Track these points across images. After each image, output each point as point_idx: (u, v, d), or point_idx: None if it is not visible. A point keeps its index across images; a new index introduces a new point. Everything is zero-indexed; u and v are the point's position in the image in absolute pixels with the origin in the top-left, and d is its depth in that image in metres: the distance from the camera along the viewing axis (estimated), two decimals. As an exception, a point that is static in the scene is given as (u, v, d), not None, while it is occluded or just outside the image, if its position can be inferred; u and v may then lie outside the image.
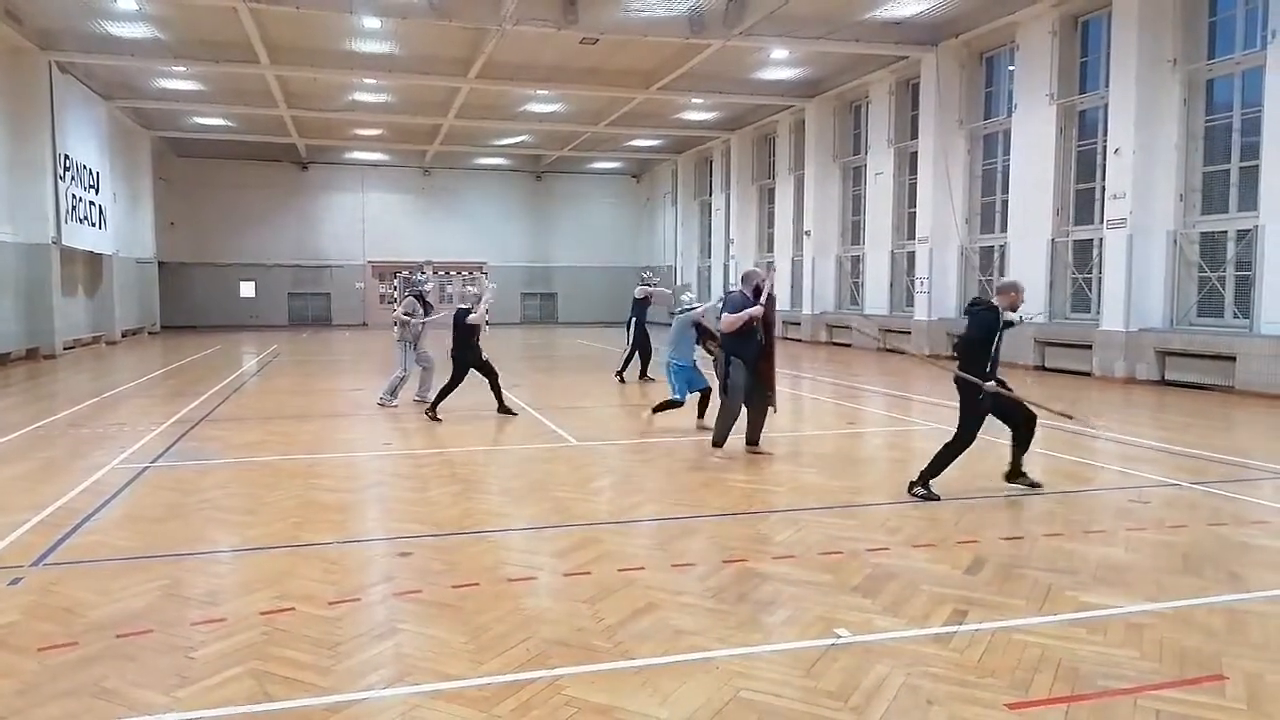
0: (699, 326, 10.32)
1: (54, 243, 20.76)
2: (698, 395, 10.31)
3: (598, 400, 13.42)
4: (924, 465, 7.04)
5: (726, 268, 32.40)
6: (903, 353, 7.07)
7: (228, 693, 3.63)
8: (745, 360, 8.50)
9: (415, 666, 3.87)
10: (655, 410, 10.28)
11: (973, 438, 6.98)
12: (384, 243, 38.39)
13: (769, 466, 8.34)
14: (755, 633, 4.26)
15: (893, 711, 3.46)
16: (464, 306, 11.21)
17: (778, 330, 9.01)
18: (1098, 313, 16.46)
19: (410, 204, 39.01)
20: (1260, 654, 4.00)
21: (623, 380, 15.11)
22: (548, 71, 23.19)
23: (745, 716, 3.43)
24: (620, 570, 5.17)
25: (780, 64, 23.06)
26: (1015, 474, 7.26)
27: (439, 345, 12.36)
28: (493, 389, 11.34)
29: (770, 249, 30.12)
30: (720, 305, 9.94)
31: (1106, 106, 16.19)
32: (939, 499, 6.90)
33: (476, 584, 4.95)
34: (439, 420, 10.91)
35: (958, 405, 7.06)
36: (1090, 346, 16.12)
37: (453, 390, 11.21)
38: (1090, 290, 17.21)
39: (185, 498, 7.06)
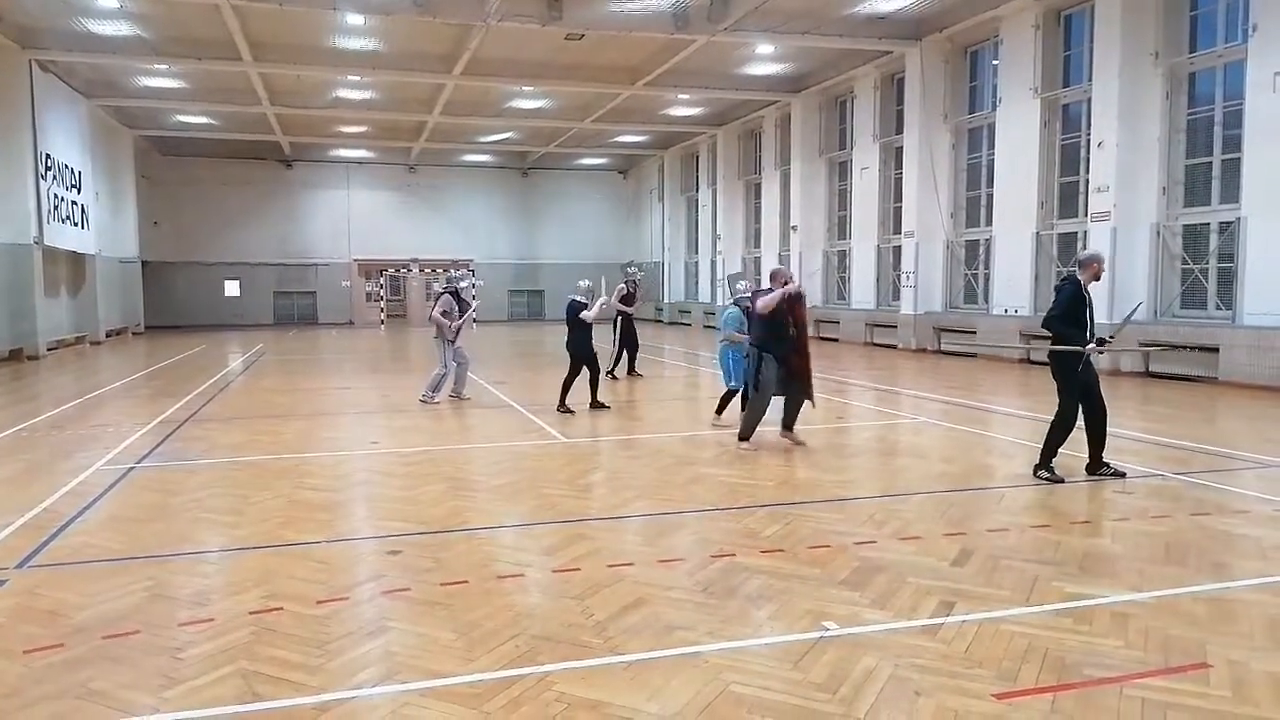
0: (749, 314, 10.34)
1: (36, 243, 20.57)
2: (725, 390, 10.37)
3: (586, 397, 13.41)
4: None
5: (714, 264, 32.43)
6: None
7: (216, 693, 3.61)
8: (776, 356, 8.65)
9: (405, 664, 3.87)
10: (719, 411, 10.32)
11: (1075, 413, 7.17)
12: (370, 241, 38.19)
13: (757, 461, 8.36)
14: (744, 627, 4.28)
15: (881, 703, 3.48)
16: (578, 300, 11.47)
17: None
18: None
19: (396, 201, 38.84)
20: (1244, 642, 4.04)
21: (614, 378, 15.10)
22: (533, 68, 23.12)
23: (734, 710, 3.44)
24: (609, 566, 5.17)
25: (765, 59, 23.07)
26: (1096, 465, 7.39)
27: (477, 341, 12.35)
28: (590, 382, 11.60)
29: (757, 244, 30.17)
30: (740, 309, 10.19)
31: (1090, 100, 16.29)
32: (1063, 480, 7.16)
33: (465, 581, 4.94)
34: (571, 411, 11.14)
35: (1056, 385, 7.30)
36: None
37: (574, 382, 11.45)
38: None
39: (171, 498, 7.03)
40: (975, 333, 18.90)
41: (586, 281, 12.09)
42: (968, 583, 4.85)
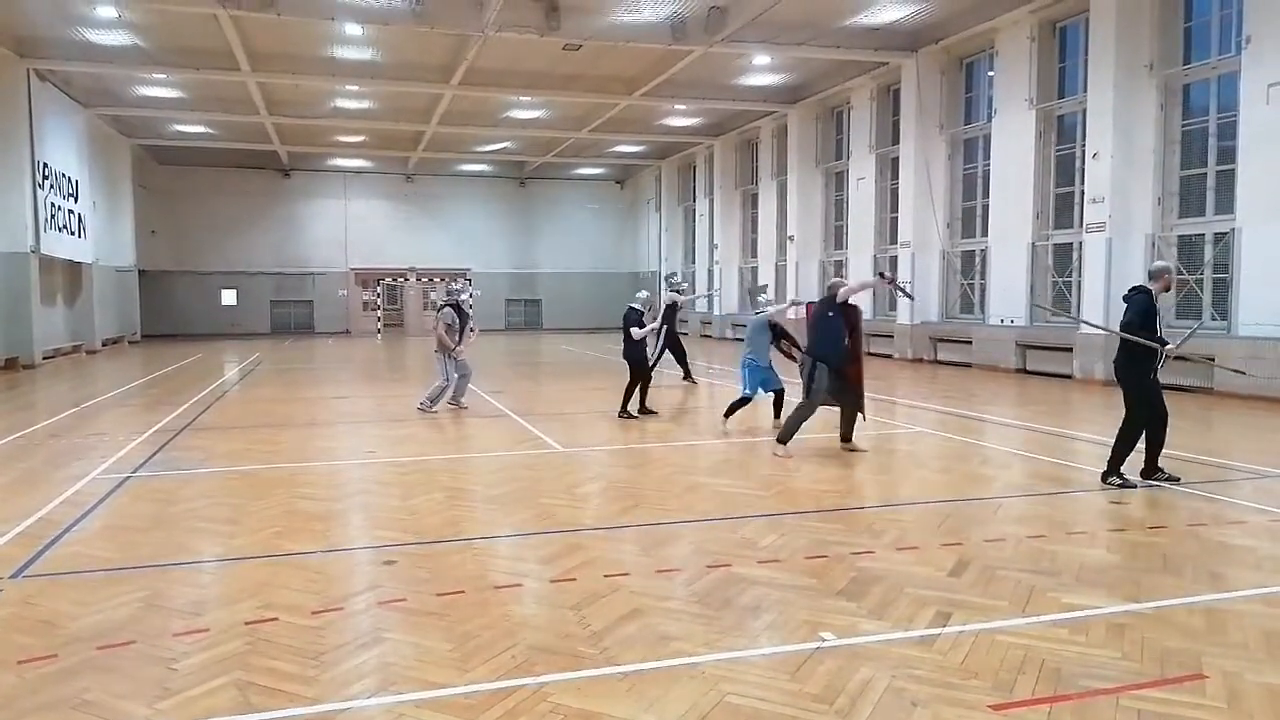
0: (774, 326, 10.55)
1: (33, 251, 20.57)
2: (772, 395, 10.55)
3: (583, 406, 13.42)
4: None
5: (710, 273, 32.48)
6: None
7: (211, 703, 3.60)
8: (829, 364, 8.78)
9: (400, 675, 3.86)
10: (727, 415, 10.51)
11: (1144, 420, 7.29)
12: (367, 250, 38.20)
13: (754, 471, 8.36)
14: (741, 637, 4.27)
15: (877, 714, 3.47)
16: (636, 308, 11.79)
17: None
18: (1078, 316, 16.60)
19: (393, 211, 38.86)
20: (1240, 653, 4.04)
21: (694, 381, 15.43)
22: (530, 78, 23.19)
23: (731, 721, 3.43)
24: (606, 576, 5.16)
25: (762, 70, 23.16)
26: (1152, 470, 7.49)
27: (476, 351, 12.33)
28: (640, 390, 11.87)
29: (754, 254, 30.23)
30: (766, 312, 10.47)
31: (1085, 111, 16.34)
32: (1135, 485, 7.27)
33: (461, 592, 4.93)
34: (634, 417, 11.50)
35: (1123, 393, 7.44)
36: (1071, 349, 16.25)
37: (634, 390, 11.72)
38: (1070, 293, 17.35)
39: (167, 508, 7.01)
40: (971, 343, 18.93)
41: (645, 292, 12.49)
42: (964, 593, 4.85)
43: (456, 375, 12.51)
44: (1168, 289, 7.46)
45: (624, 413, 11.60)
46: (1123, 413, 7.49)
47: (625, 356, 11.80)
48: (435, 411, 12.24)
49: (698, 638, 4.24)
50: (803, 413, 8.97)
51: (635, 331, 11.54)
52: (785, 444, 8.96)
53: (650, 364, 15.32)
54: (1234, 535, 6.05)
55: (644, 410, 11.83)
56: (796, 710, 3.51)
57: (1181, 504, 6.92)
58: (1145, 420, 7.30)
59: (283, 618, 4.53)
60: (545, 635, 4.29)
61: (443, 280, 39.11)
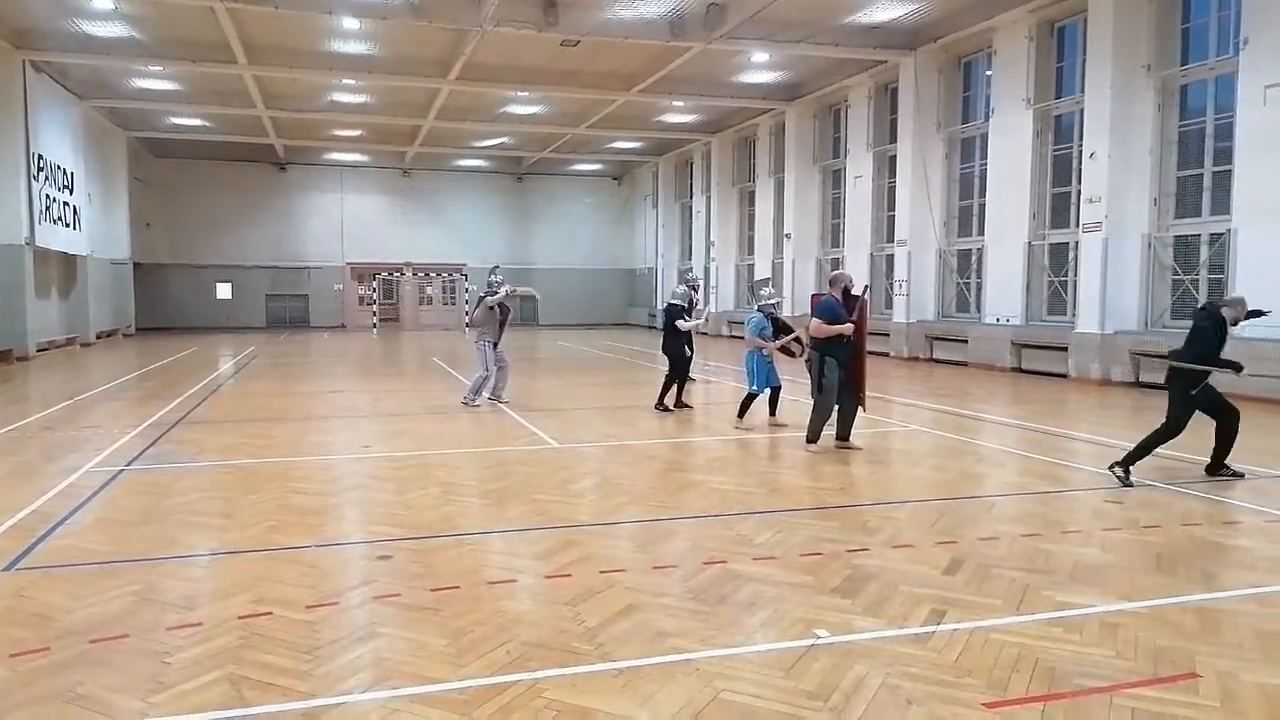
0: (775, 321, 10.61)
1: (27, 244, 20.50)
2: (769, 391, 10.60)
3: (579, 402, 13.41)
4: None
5: (707, 270, 32.49)
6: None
7: (204, 698, 3.59)
8: (838, 359, 8.83)
9: (395, 670, 3.86)
10: (740, 414, 10.56)
11: (1180, 429, 7.39)
12: (363, 244, 38.14)
13: (749, 468, 8.37)
14: (736, 634, 4.27)
15: (872, 711, 3.48)
16: (675, 303, 12.04)
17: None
18: (1073, 315, 16.65)
19: (390, 205, 38.80)
20: (1233, 652, 4.05)
21: (692, 380, 15.33)
22: (528, 73, 23.15)
23: (725, 718, 3.43)
24: (601, 572, 5.16)
25: (760, 67, 23.15)
26: (1217, 467, 7.70)
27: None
28: (679, 385, 12.05)
29: (751, 251, 30.24)
30: (764, 315, 10.45)
31: (1082, 111, 16.36)
32: (1133, 485, 7.32)
33: (456, 587, 4.93)
34: (670, 410, 11.74)
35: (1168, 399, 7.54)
36: (1066, 349, 16.28)
37: (674, 382, 11.94)
38: (1066, 293, 17.39)
39: (161, 501, 6.99)
40: (967, 341, 18.96)
41: (683, 287, 12.67)
42: (959, 591, 4.85)
43: (496, 368, 12.61)
44: (1236, 321, 7.55)
45: (660, 405, 11.79)
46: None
47: (665, 351, 12.01)
48: (478, 405, 12.36)
49: (693, 634, 4.24)
50: (823, 411, 9.02)
51: (681, 324, 11.86)
52: (814, 443, 9.05)
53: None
54: (1228, 535, 6.07)
55: (680, 404, 12.00)
56: (791, 707, 3.51)
57: (1176, 503, 6.93)
58: (1178, 429, 7.38)
59: (277, 612, 4.52)
60: (540, 631, 4.29)
61: (439, 275, 39.18)
